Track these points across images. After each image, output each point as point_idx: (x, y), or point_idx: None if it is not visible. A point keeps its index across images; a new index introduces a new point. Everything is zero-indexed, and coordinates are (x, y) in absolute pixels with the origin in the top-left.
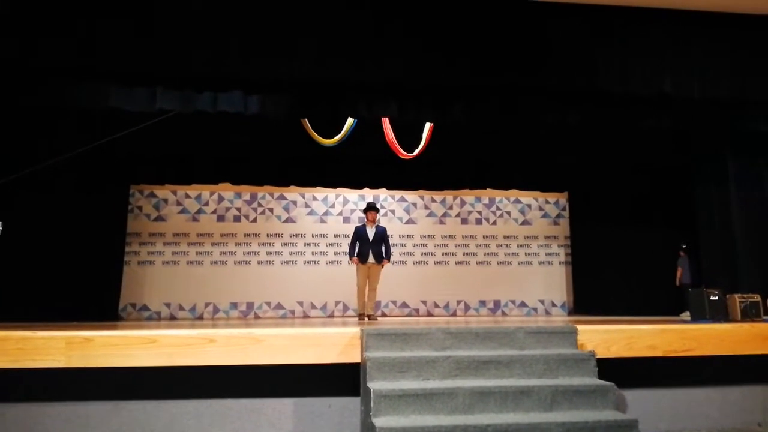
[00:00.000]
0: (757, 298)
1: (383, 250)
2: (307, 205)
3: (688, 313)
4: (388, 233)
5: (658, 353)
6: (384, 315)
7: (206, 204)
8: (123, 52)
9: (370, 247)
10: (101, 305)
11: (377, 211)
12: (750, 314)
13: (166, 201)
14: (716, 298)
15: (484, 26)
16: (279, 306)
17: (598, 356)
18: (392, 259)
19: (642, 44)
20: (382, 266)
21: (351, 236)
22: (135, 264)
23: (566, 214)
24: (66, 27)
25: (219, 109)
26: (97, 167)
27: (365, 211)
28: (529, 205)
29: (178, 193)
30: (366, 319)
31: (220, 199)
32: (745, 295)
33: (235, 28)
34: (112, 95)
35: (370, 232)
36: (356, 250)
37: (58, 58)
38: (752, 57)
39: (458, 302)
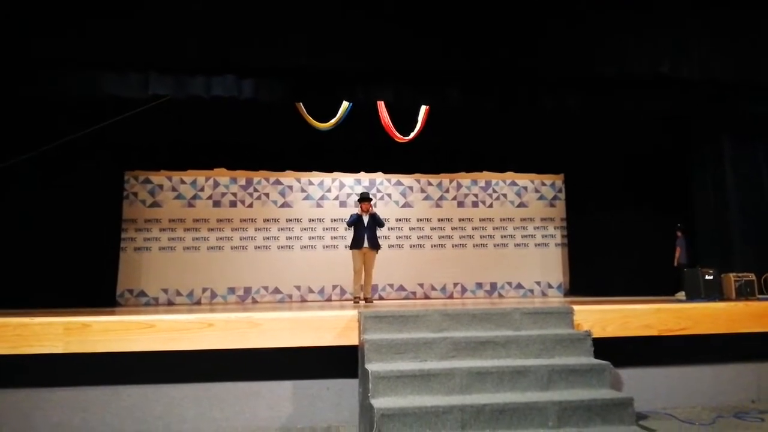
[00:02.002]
0: (751, 276)
1: (376, 231)
2: (303, 190)
3: (683, 292)
4: (378, 215)
5: (654, 332)
6: (381, 298)
7: (202, 189)
8: (117, 39)
9: (365, 231)
10: (98, 291)
11: (370, 200)
12: (745, 293)
13: (161, 187)
14: (711, 277)
15: (478, 10)
16: (276, 290)
17: (594, 336)
18: (389, 243)
19: (640, 25)
20: (377, 252)
21: (349, 218)
22: (131, 250)
23: (562, 196)
24: (61, 15)
25: (212, 93)
26: (91, 154)
27: (360, 201)
28: (525, 188)
29: (173, 179)
30: (362, 302)
31: (216, 184)
32: (740, 274)
33: (231, 14)
34: (106, 82)
35: (365, 218)
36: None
37: (53, 47)
38: (750, 38)
39: (455, 285)
